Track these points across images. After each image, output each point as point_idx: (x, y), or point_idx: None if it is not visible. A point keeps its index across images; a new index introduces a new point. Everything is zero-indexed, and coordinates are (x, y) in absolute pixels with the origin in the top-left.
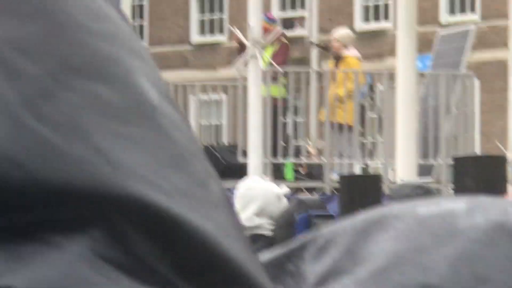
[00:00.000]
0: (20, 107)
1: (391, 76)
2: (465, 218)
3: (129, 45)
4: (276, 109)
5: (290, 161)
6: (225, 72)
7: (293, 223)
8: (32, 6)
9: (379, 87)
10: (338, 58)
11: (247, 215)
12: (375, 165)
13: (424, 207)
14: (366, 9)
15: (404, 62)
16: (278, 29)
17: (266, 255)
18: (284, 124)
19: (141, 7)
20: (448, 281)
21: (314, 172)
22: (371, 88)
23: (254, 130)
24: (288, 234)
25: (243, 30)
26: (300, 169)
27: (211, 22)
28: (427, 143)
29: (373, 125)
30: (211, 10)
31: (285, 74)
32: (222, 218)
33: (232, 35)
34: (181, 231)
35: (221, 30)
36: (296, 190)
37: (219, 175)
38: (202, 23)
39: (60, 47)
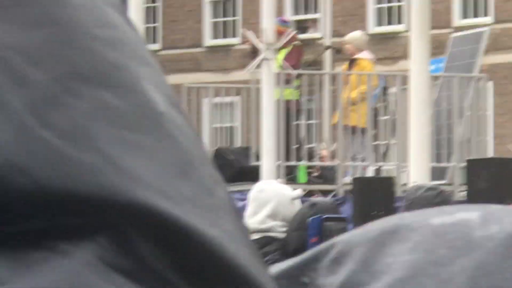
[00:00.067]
0: (26, 114)
1: (404, 79)
2: (480, 229)
3: (136, 51)
4: (289, 112)
5: (303, 163)
6: (238, 75)
7: (305, 226)
8: (38, 13)
9: (392, 89)
10: (352, 61)
11: (260, 217)
12: (388, 167)
13: (438, 218)
14: (380, 12)
15: (417, 65)
16: (291, 31)
17: (278, 267)
18: (297, 127)
19: (154, 9)
20: None
21: (327, 175)
22: (384, 90)
23: (268, 133)
24: (300, 236)
25: (256, 33)
26: (313, 172)
27: (225, 25)
28: (440, 145)
29: (386, 127)
30: (224, 13)
31: (299, 77)
32: (229, 225)
33: (244, 38)
34: (188, 238)
35: (234, 33)
36: (309, 193)
37: (233, 177)
38: (215, 26)
39: (67, 54)
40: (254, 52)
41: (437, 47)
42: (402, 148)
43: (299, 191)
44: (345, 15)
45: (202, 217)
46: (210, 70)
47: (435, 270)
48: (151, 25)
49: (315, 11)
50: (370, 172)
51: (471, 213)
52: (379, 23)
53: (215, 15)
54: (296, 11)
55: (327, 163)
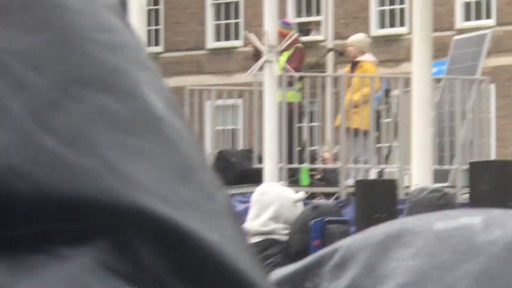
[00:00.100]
0: (26, 118)
1: (407, 81)
2: (483, 233)
3: (135, 56)
4: (292, 114)
5: (305, 166)
6: (240, 77)
7: (308, 229)
8: (37, 17)
9: (395, 92)
10: (354, 63)
11: (262, 220)
12: (391, 170)
13: (441, 222)
14: (382, 14)
15: (420, 67)
16: (294, 34)
17: (281, 272)
18: (300, 129)
19: (156, 12)
20: None
21: (329, 177)
22: (387, 93)
23: (270, 135)
24: (303, 239)
25: (259, 36)
26: (316, 174)
27: (227, 27)
28: (443, 148)
29: (389, 130)
30: (227, 15)
31: (301, 79)
32: (228, 229)
33: (246, 40)
34: (188, 243)
35: (236, 36)
36: (311, 195)
37: (235, 180)
38: (217, 28)
39: (66, 59)
40: (256, 55)
41: (439, 50)
42: (404, 150)
43: (301, 194)
44: (348, 17)
45: (201, 221)
46: (212, 73)
47: (439, 275)
48: (154, 27)
49: (318, 13)
50: (372, 175)
51: (474, 218)
52: (382, 26)
53: (218, 17)
54: (299, 14)
55: (330, 165)
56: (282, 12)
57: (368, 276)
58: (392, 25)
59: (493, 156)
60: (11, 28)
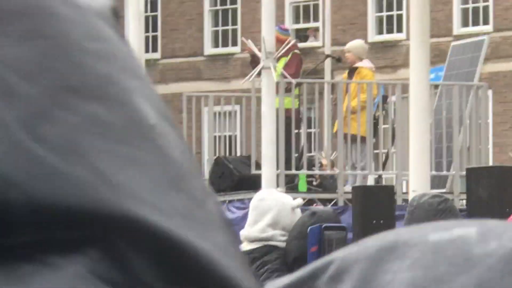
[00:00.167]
0: (16, 127)
1: (404, 88)
2: (478, 245)
3: (126, 64)
4: (290, 121)
5: (303, 172)
6: (238, 84)
7: (305, 235)
8: (28, 26)
9: (392, 98)
10: (352, 70)
11: (260, 226)
12: (388, 176)
13: (436, 234)
14: (380, 20)
15: (417, 73)
16: (291, 40)
17: (274, 284)
18: (297, 136)
19: (154, 19)
20: None
21: (327, 184)
22: (384, 99)
23: (268, 142)
24: (300, 245)
25: (256, 42)
26: (313, 181)
27: (225, 33)
28: (440, 154)
29: (386, 136)
30: (224, 21)
31: (298, 85)
32: (220, 238)
33: (244, 46)
34: (179, 251)
35: (234, 42)
36: (309, 202)
37: (233, 186)
38: (215, 34)
39: (56, 67)
40: (254, 61)
41: (437, 56)
42: (402, 156)
43: (299, 200)
44: (345, 23)
45: (193, 230)
46: (210, 79)
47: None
48: (151, 34)
49: (315, 20)
50: (370, 181)
51: (469, 229)
52: (379, 32)
53: (215, 24)
54: (296, 20)
55: (327, 171)
56: (279, 19)
57: None
58: (389, 31)
59: (490, 162)
60: (2, 37)
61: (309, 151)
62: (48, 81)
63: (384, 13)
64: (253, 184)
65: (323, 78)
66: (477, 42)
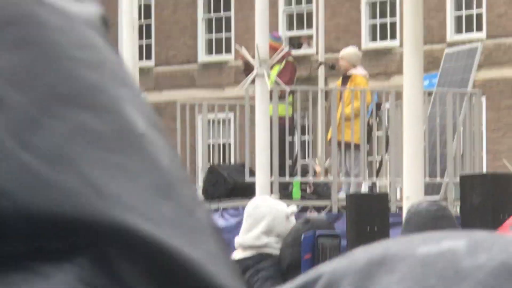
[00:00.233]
0: (5, 136)
1: (398, 95)
2: (468, 258)
3: (115, 73)
4: (283, 128)
5: (297, 180)
6: (232, 91)
7: (299, 242)
8: (16, 35)
9: (386, 105)
10: (346, 77)
11: (255, 233)
12: (382, 183)
13: (424, 246)
14: (373, 27)
15: (411, 81)
16: (285, 47)
17: None
18: (291, 143)
19: (148, 26)
20: None
21: (321, 191)
22: (378, 106)
23: (261, 149)
24: (294, 253)
25: (250, 50)
26: (307, 188)
27: (218, 41)
28: (434, 161)
29: (380, 143)
30: (218, 29)
31: (292, 93)
32: (209, 246)
33: (237, 54)
34: (169, 259)
35: (228, 50)
36: (303, 209)
37: (227, 194)
38: (209, 42)
39: (45, 76)
40: (247, 69)
41: (430, 63)
42: (395, 163)
43: (294, 208)
44: (339, 31)
45: (182, 238)
46: (204, 87)
47: None
48: (145, 41)
49: (309, 27)
50: (364, 188)
51: (457, 241)
52: (373, 39)
53: (209, 31)
54: (290, 27)
55: (321, 179)
56: (273, 26)
57: None
58: (383, 38)
59: (484, 169)
60: None
61: (303, 158)
62: (37, 90)
63: (378, 20)
64: (247, 191)
65: (317, 85)
66: (470, 49)
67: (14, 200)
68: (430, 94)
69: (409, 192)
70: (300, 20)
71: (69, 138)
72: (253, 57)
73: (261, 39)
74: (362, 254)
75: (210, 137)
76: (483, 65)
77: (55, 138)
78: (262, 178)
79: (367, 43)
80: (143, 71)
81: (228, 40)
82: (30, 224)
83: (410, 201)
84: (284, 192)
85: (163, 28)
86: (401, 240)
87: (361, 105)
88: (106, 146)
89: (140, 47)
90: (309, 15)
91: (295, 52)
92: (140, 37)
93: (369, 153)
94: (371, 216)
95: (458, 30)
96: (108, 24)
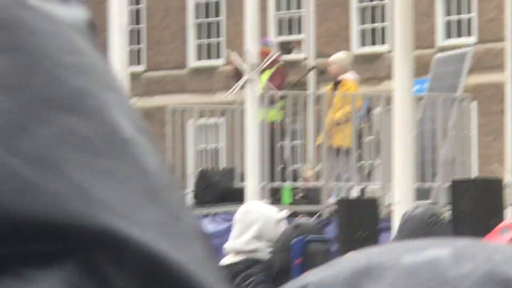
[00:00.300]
0: None
1: (388, 99)
2: (452, 267)
3: (103, 77)
4: (274, 133)
5: (287, 184)
6: (222, 96)
7: (290, 247)
8: (3, 39)
9: (377, 110)
10: (336, 82)
11: (245, 238)
12: (373, 188)
13: (409, 256)
14: (363, 32)
15: (401, 86)
16: (275, 52)
17: None
18: (282, 148)
19: (138, 31)
20: None
21: (311, 196)
22: (369, 111)
23: (252, 154)
24: (284, 258)
25: (240, 55)
26: (298, 193)
27: (208, 46)
28: (425, 166)
29: (371, 148)
30: (209, 34)
31: (283, 98)
32: (196, 250)
33: (228, 59)
34: (156, 264)
35: (218, 55)
36: (293, 214)
37: (217, 199)
38: (199, 47)
39: (32, 81)
40: (238, 74)
41: (421, 68)
42: (386, 168)
43: (284, 213)
44: (329, 36)
45: (169, 242)
46: (194, 92)
47: None
48: (136, 46)
49: (299, 32)
50: (354, 193)
51: (442, 250)
52: (363, 44)
53: (199, 36)
54: (280, 32)
55: (312, 184)
56: (263, 31)
57: None
58: (373, 43)
59: (475, 174)
60: None
61: (294, 163)
62: (23, 94)
63: (368, 25)
64: (238, 196)
65: (307, 90)
66: (461, 54)
67: (0, 204)
68: (420, 98)
69: (399, 196)
70: (291, 25)
71: (56, 143)
72: (244, 62)
73: (252, 44)
74: (347, 263)
75: (200, 142)
76: (474, 70)
77: (42, 142)
78: (252, 183)
79: (357, 48)
80: (133, 76)
81: (218, 45)
82: (16, 228)
83: (401, 206)
84: (275, 197)
85: (154, 33)
86: (384, 248)
87: (351, 110)
88: (93, 150)
89: (131, 52)
90: (300, 20)
91: (285, 57)
92: (131, 42)
93: (360, 158)
94: (361, 221)
95: (448, 35)
96: (95, 28)
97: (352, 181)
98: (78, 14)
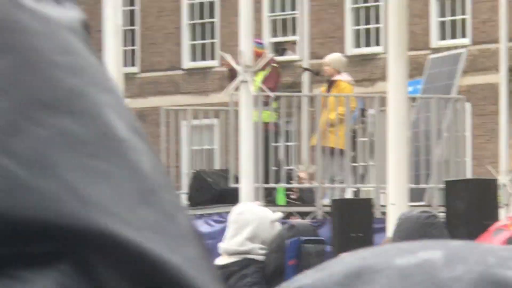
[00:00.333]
0: None
1: (382, 101)
2: (445, 270)
3: (97, 78)
4: (268, 134)
5: (281, 186)
6: (216, 97)
7: (284, 248)
8: None
9: (371, 111)
10: (330, 83)
11: (239, 239)
12: (367, 189)
13: (402, 258)
14: (357, 33)
15: (395, 87)
16: (269, 53)
17: None
18: (276, 149)
19: (133, 32)
20: None
21: (305, 197)
22: (363, 112)
23: (246, 155)
24: (279, 259)
25: (235, 56)
26: (292, 194)
27: (203, 47)
28: (419, 167)
29: (365, 149)
30: (203, 35)
31: (277, 99)
32: (190, 251)
33: (223, 61)
34: (150, 265)
35: (212, 56)
36: (287, 215)
37: (211, 200)
38: (193, 48)
39: (26, 81)
40: (232, 75)
41: (415, 69)
42: (380, 169)
43: (279, 214)
44: (323, 37)
45: (163, 243)
46: (188, 93)
47: None
48: (130, 47)
49: (293, 33)
50: (348, 194)
51: (434, 252)
52: (357, 45)
53: (193, 37)
54: (274, 33)
55: (306, 185)
56: (257, 32)
57: None
58: (367, 44)
59: (469, 175)
60: None
61: (288, 164)
62: (17, 95)
63: (362, 27)
64: (232, 197)
65: (301, 91)
66: (455, 55)
67: None
68: (414, 100)
69: (393, 197)
70: (285, 26)
71: (50, 143)
72: (238, 63)
73: (245, 45)
74: (340, 266)
75: (194, 143)
76: (468, 71)
77: (35, 143)
78: (246, 184)
79: (351, 49)
80: (127, 77)
81: (212, 46)
82: (9, 229)
83: (395, 207)
84: (269, 198)
85: (148, 34)
86: (377, 250)
87: (345, 111)
88: (86, 151)
89: (125, 53)
90: (294, 21)
91: (279, 58)
92: (125, 43)
93: (354, 159)
94: (355, 222)
95: (442, 36)
96: (89, 29)
97: (346, 182)
98: (72, 15)
